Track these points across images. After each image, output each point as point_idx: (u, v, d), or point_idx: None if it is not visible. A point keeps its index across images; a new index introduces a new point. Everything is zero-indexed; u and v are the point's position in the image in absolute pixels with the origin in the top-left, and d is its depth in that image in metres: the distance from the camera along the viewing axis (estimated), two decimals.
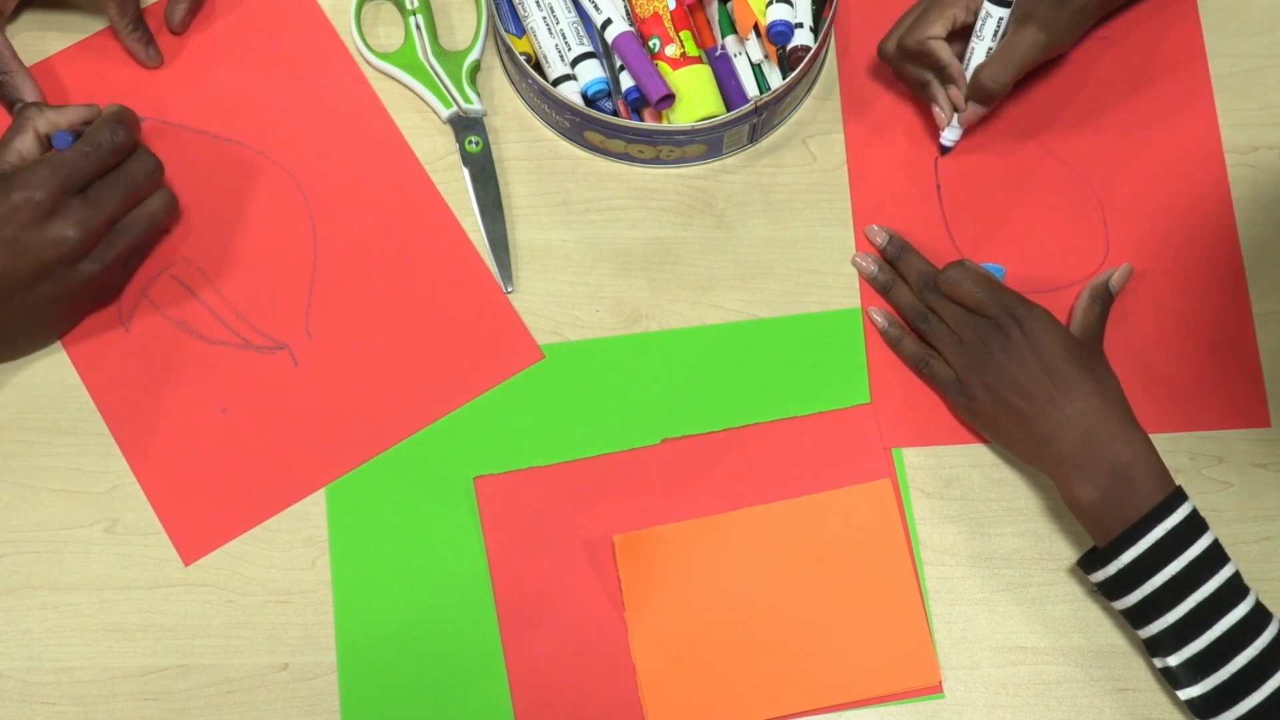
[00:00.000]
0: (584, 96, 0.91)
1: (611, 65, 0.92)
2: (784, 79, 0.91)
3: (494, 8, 0.92)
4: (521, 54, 0.91)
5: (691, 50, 0.91)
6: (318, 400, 0.89)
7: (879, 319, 0.90)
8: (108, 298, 0.89)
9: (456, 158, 0.93)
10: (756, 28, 0.91)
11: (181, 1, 0.93)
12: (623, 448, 0.88)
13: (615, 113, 0.92)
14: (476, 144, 0.93)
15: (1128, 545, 0.79)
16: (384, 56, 0.94)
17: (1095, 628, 0.86)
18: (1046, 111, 0.95)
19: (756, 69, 0.93)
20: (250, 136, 0.93)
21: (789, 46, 0.91)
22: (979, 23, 0.88)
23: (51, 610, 0.85)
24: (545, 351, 0.90)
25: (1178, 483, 0.81)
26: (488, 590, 0.86)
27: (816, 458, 0.88)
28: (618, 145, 0.91)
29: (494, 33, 0.94)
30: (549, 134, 0.94)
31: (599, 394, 0.89)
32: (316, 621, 0.85)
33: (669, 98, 0.90)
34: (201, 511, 0.87)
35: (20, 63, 0.91)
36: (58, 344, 0.89)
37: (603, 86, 0.91)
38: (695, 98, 0.90)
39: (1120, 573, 0.80)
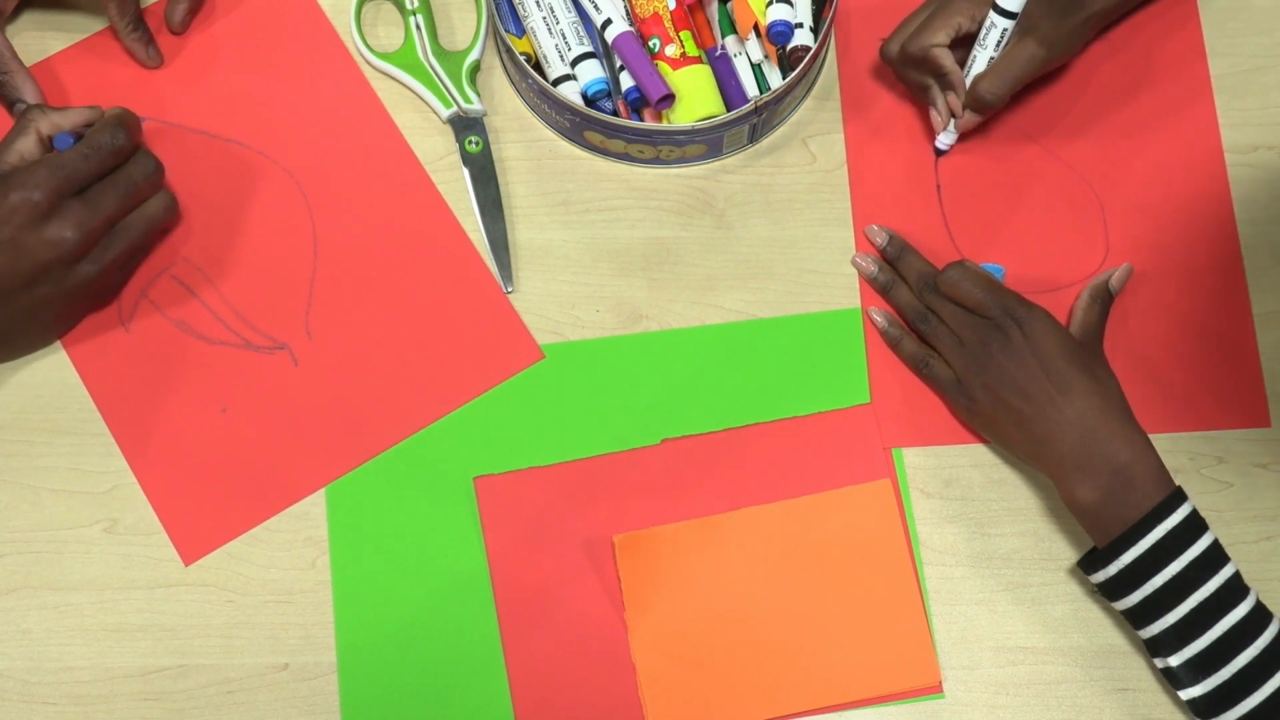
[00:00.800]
0: (584, 96, 0.91)
1: (611, 65, 0.92)
2: (784, 79, 0.91)
3: (494, 8, 0.92)
4: (521, 54, 0.91)
5: (691, 50, 0.91)
6: (318, 400, 0.89)
7: (879, 319, 0.90)
8: (106, 299, 0.89)
9: (456, 158, 0.93)
10: (756, 28, 0.91)
11: (181, 1, 0.93)
12: (623, 448, 0.88)
13: (615, 113, 0.92)
14: (476, 144, 0.93)
15: (1128, 546, 0.79)
16: (384, 56, 0.94)
17: (1095, 628, 0.86)
18: (1047, 112, 0.95)
19: (756, 69, 0.93)
20: (250, 136, 0.93)
21: (789, 46, 0.91)
22: (983, 31, 0.88)
23: (51, 610, 0.85)
24: (545, 351, 0.90)
25: (1177, 483, 0.81)
26: (488, 590, 0.86)
27: (816, 458, 0.88)
28: (618, 145, 0.91)
29: (494, 33, 0.94)
30: (549, 134, 0.94)
31: (599, 394, 0.89)
32: (316, 621, 0.85)
33: (669, 98, 0.90)
34: (201, 511, 0.87)
35: (20, 63, 0.91)
36: (58, 344, 0.89)
37: (603, 86, 0.91)
38: (695, 98, 0.90)
39: (1120, 573, 0.80)
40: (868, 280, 0.92)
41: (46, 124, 0.85)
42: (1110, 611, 0.86)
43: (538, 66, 0.93)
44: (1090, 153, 0.94)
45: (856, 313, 0.91)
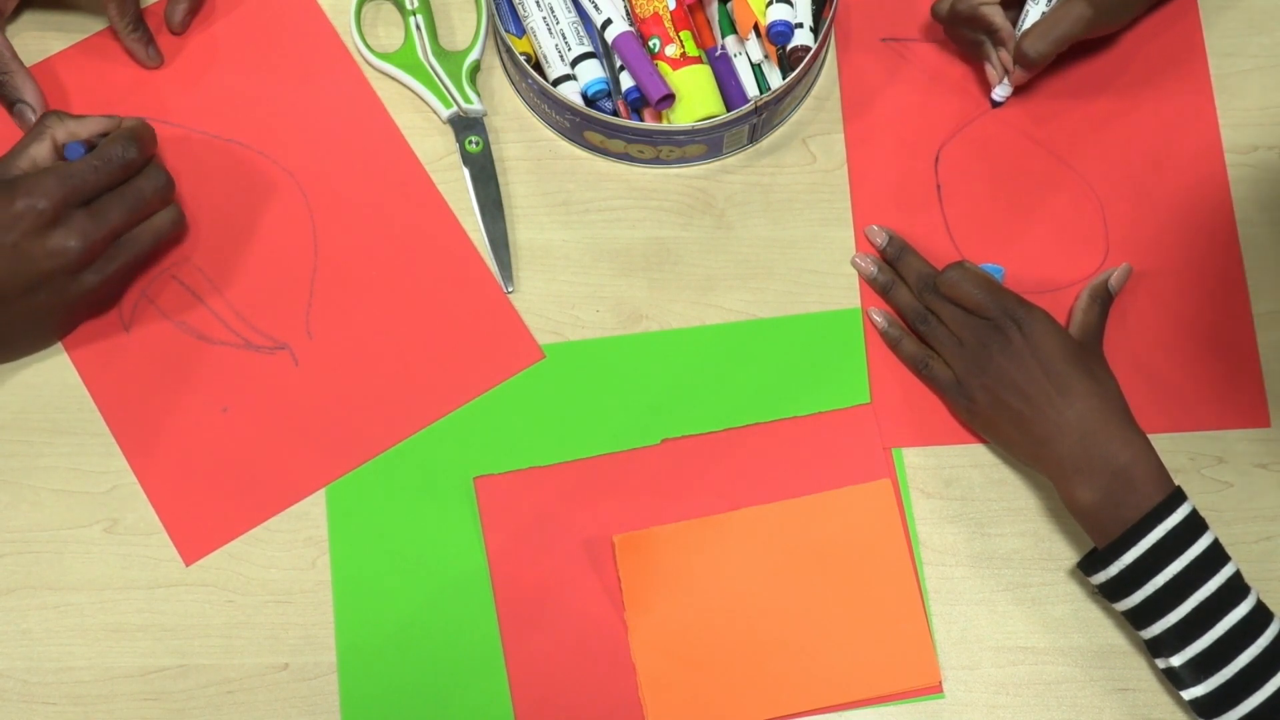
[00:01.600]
0: (584, 96, 0.91)
1: (611, 65, 0.92)
2: (784, 79, 0.91)
3: (494, 8, 0.92)
4: (521, 54, 0.91)
5: (691, 50, 0.91)
6: (318, 400, 0.89)
7: (879, 319, 0.90)
8: (106, 307, 0.89)
9: (456, 158, 0.93)
10: (756, 28, 0.91)
11: (181, 2, 0.93)
12: (623, 448, 0.88)
13: (615, 113, 0.92)
14: (476, 144, 0.93)
15: (1128, 546, 0.79)
16: (384, 56, 0.94)
17: (1095, 628, 0.86)
18: (1047, 112, 0.95)
19: (756, 69, 0.93)
20: (250, 136, 0.93)
21: (789, 46, 0.91)
22: None
23: (51, 610, 0.85)
24: (545, 351, 0.90)
25: (1177, 483, 0.81)
26: (488, 590, 0.86)
27: (816, 458, 0.88)
28: (618, 145, 0.91)
29: (494, 33, 0.94)
30: (549, 134, 0.94)
31: (599, 394, 0.89)
32: (316, 621, 0.85)
33: (669, 98, 0.90)
34: (202, 511, 0.87)
35: (20, 63, 0.91)
36: (58, 344, 0.89)
37: (603, 86, 0.91)
38: (695, 98, 0.90)
39: (1121, 574, 0.80)
40: (867, 281, 0.92)
41: (63, 132, 0.84)
42: (1110, 612, 0.86)
43: (538, 66, 0.93)
44: (1090, 153, 0.94)
45: (856, 313, 0.91)
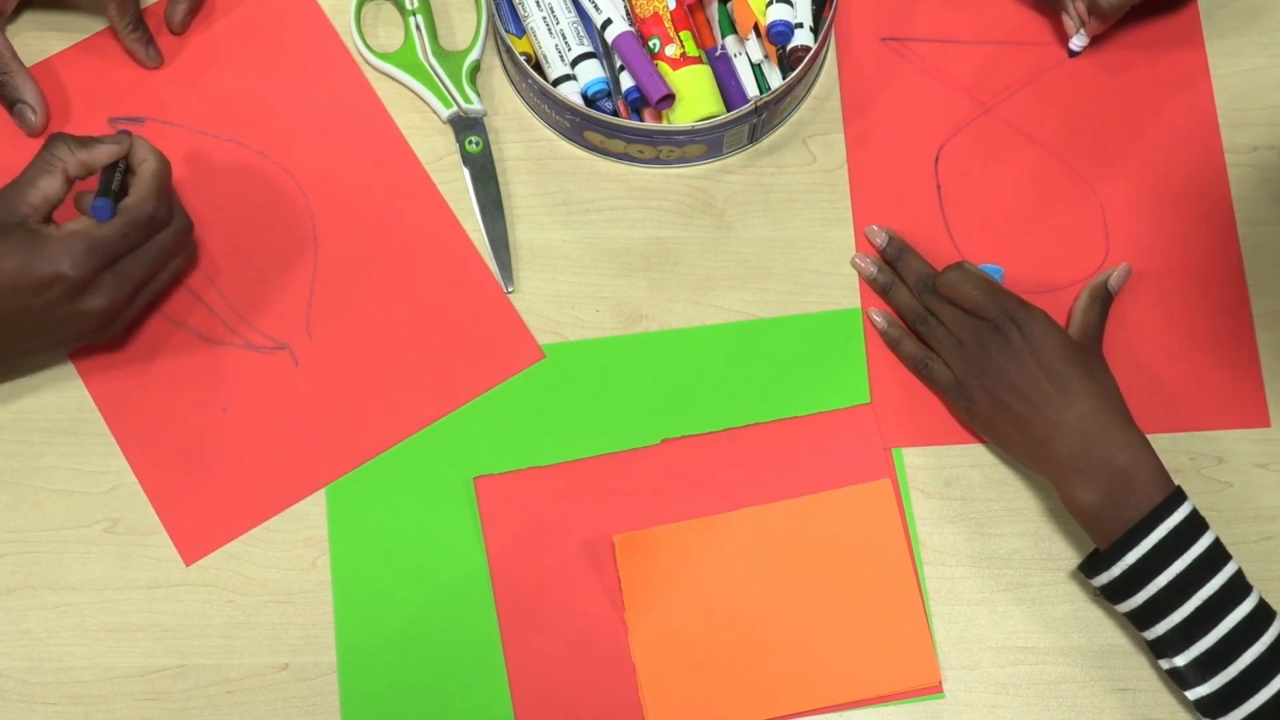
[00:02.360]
0: (584, 96, 0.91)
1: (611, 65, 0.92)
2: (784, 79, 0.91)
3: (494, 8, 0.92)
4: (521, 54, 0.91)
5: (691, 50, 0.91)
6: (318, 400, 0.89)
7: (878, 320, 0.90)
8: (108, 337, 0.87)
9: (456, 158, 0.93)
10: (756, 28, 0.91)
11: (181, 2, 0.93)
12: (623, 448, 0.88)
13: (615, 113, 0.92)
14: (476, 144, 0.93)
15: (1129, 547, 0.79)
16: (384, 56, 0.94)
17: (1095, 628, 0.86)
18: (1047, 111, 0.95)
19: (756, 69, 0.93)
20: (250, 136, 0.93)
21: (789, 46, 0.91)
22: None
23: (51, 610, 0.85)
24: (545, 351, 0.90)
25: (1177, 483, 0.81)
26: (488, 590, 0.86)
27: (816, 458, 0.88)
28: (618, 145, 0.91)
29: (494, 33, 0.94)
30: (549, 134, 0.94)
31: (599, 394, 0.89)
32: (316, 621, 0.85)
33: (669, 98, 0.90)
34: (202, 511, 0.87)
35: (20, 63, 0.91)
36: None
37: (603, 86, 0.91)
38: (695, 98, 0.90)
39: (1123, 574, 0.80)
40: (867, 281, 0.92)
41: (74, 164, 0.82)
42: (1110, 611, 0.86)
43: (538, 66, 0.93)
44: (1090, 153, 0.94)
45: (856, 313, 0.91)
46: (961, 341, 0.86)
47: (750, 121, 0.90)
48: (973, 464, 0.89)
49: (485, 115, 0.94)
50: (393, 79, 0.94)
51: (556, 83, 0.91)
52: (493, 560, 0.86)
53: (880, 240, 0.91)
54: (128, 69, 0.94)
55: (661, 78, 0.89)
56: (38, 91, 0.91)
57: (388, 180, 0.93)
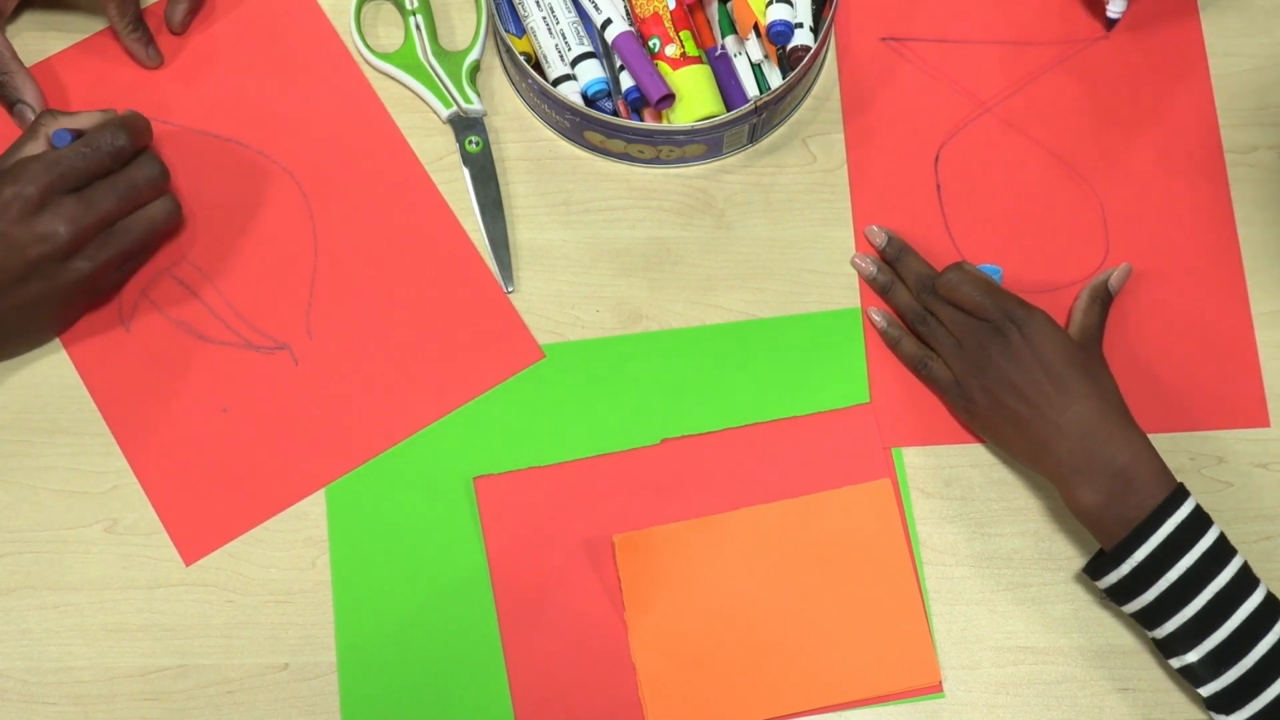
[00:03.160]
0: (584, 96, 0.91)
1: (611, 65, 0.92)
2: (784, 79, 0.91)
3: (494, 8, 0.92)
4: (521, 54, 0.91)
5: (691, 50, 0.91)
6: (318, 400, 0.89)
7: (878, 319, 0.90)
8: (103, 299, 0.89)
9: (456, 158, 0.93)
10: (756, 28, 0.91)
11: (181, 2, 0.93)
12: (623, 447, 0.88)
13: (615, 113, 0.92)
14: (476, 144, 0.93)
15: (1136, 545, 0.79)
16: (384, 56, 0.94)
17: (1095, 628, 0.86)
18: (1047, 111, 0.95)
19: (756, 69, 0.93)
20: (250, 136, 0.93)
21: (789, 46, 0.91)
22: None
23: (51, 610, 0.85)
24: (545, 351, 0.90)
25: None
26: (488, 590, 0.86)
27: (816, 457, 0.88)
28: (618, 145, 0.91)
29: (494, 33, 0.94)
30: (549, 134, 0.94)
31: (599, 394, 0.89)
32: (316, 621, 0.85)
33: (669, 98, 0.90)
34: (202, 511, 0.87)
35: (20, 63, 0.91)
36: (58, 344, 0.89)
37: (603, 86, 0.91)
38: (695, 98, 0.90)
39: (1133, 572, 0.79)
40: (867, 281, 0.92)
41: (55, 128, 0.84)
42: (1111, 611, 0.86)
43: (538, 66, 0.93)
44: (1090, 153, 0.94)
45: (856, 312, 0.91)
46: (961, 342, 0.86)
47: (750, 121, 0.90)
48: (973, 464, 0.89)
49: (485, 115, 0.94)
50: (393, 79, 0.94)
51: (556, 83, 0.91)
52: (492, 560, 0.86)
53: (880, 240, 0.91)
54: (128, 69, 0.94)
55: (661, 78, 0.89)
56: (38, 91, 0.91)
57: (388, 180, 0.93)
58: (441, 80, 0.94)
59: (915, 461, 0.89)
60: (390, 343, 0.90)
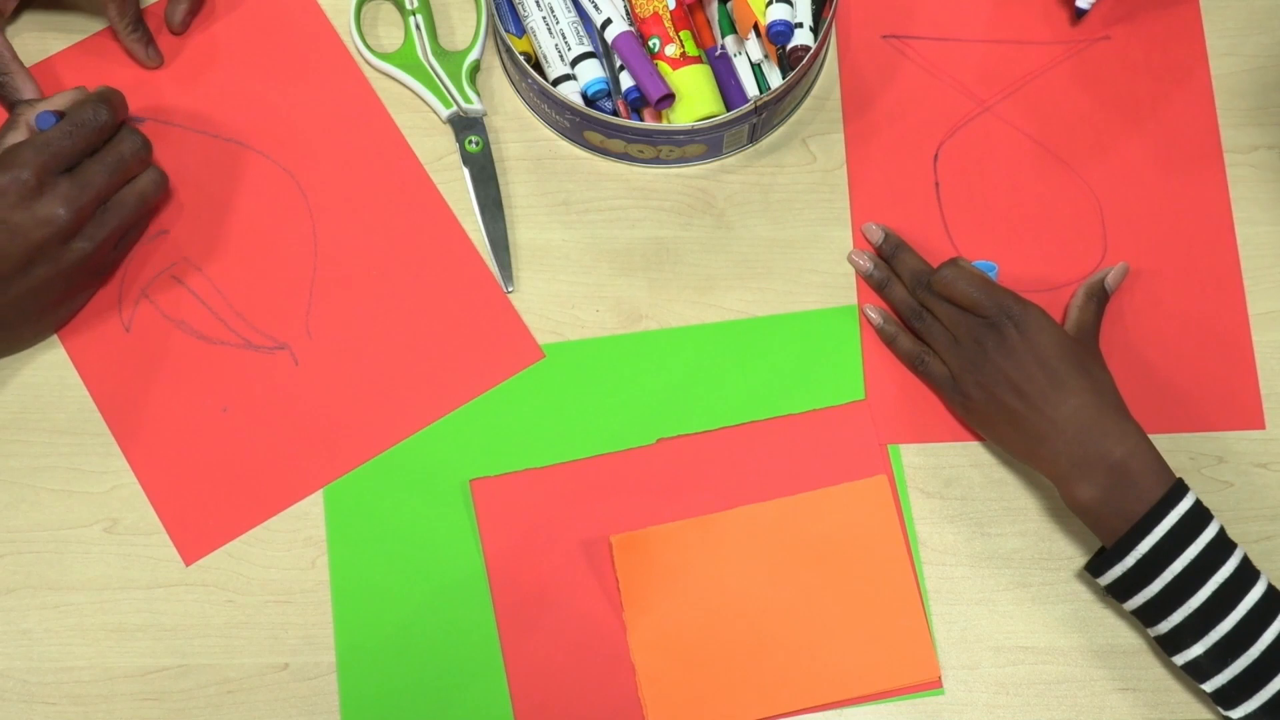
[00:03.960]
0: (584, 96, 0.91)
1: (611, 65, 0.92)
2: (784, 79, 0.91)
3: (494, 8, 0.92)
4: (521, 54, 0.91)
5: (691, 50, 0.91)
6: (318, 400, 0.89)
7: (874, 316, 0.90)
8: (103, 277, 0.89)
9: (456, 158, 0.93)
10: (756, 27, 0.91)
11: (181, 2, 0.93)
12: (624, 447, 0.88)
13: (615, 113, 0.92)
14: (476, 144, 0.93)
15: (1138, 540, 0.79)
16: (384, 56, 0.95)
17: (1095, 628, 0.86)
18: (1046, 110, 0.95)
19: (756, 69, 0.93)
20: (250, 136, 0.93)
21: (789, 46, 0.91)
22: None
23: (51, 610, 0.85)
24: (545, 351, 0.90)
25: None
26: (487, 591, 0.86)
27: (812, 455, 0.88)
28: (618, 145, 0.91)
29: (494, 33, 0.94)
30: (549, 134, 0.94)
31: (599, 394, 0.89)
32: (316, 621, 0.85)
33: (669, 98, 0.90)
34: (202, 511, 0.87)
35: (20, 63, 0.91)
36: (57, 343, 0.89)
37: (603, 86, 0.91)
38: (695, 98, 0.90)
39: (1135, 566, 0.79)
40: (863, 277, 0.92)
41: (33, 113, 0.85)
42: (1111, 611, 0.86)
43: (538, 66, 0.93)
44: (1089, 152, 0.94)
45: (852, 309, 0.91)
46: (957, 338, 0.86)
47: (750, 121, 0.90)
48: (973, 463, 0.89)
49: (485, 115, 0.94)
50: (393, 79, 0.94)
51: (556, 82, 0.91)
52: (490, 562, 0.86)
53: (876, 237, 0.92)
54: (128, 69, 0.94)
55: (661, 77, 0.89)
56: (38, 91, 0.91)
57: (387, 180, 0.93)
58: (441, 80, 0.94)
59: (915, 461, 0.89)
60: (390, 343, 0.90)
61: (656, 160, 0.93)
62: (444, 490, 0.87)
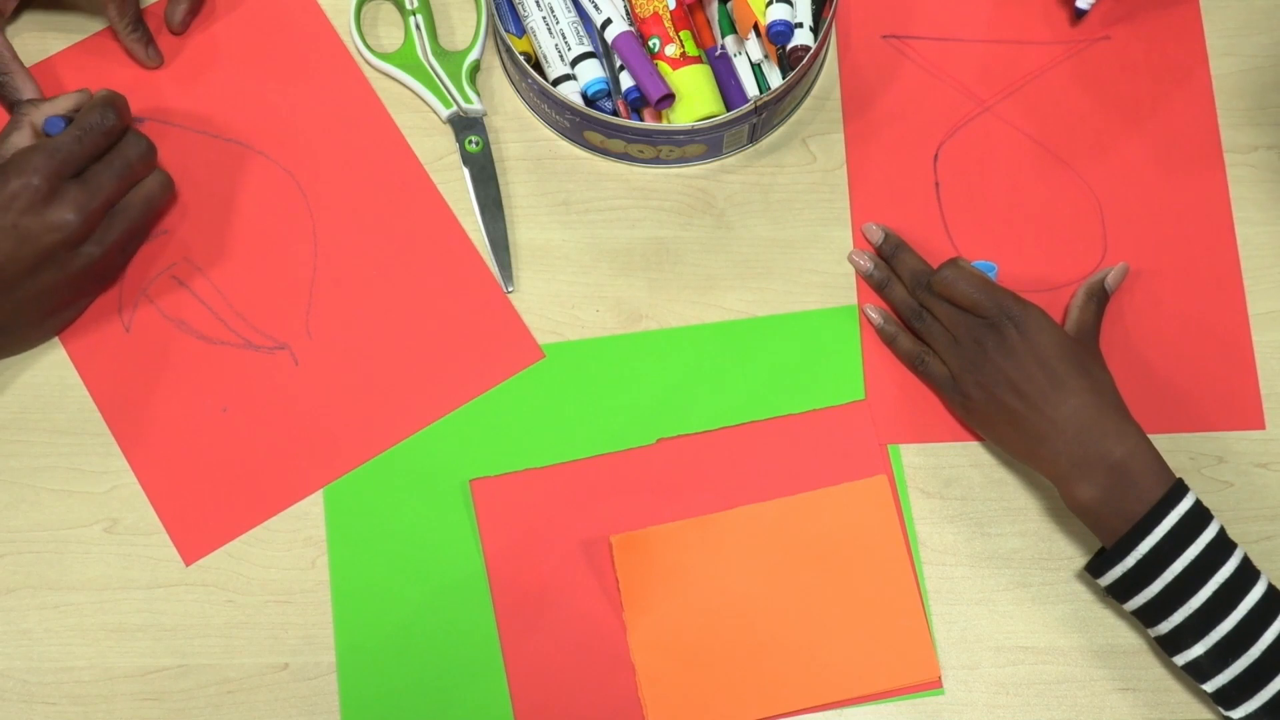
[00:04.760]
0: (584, 96, 0.91)
1: (611, 65, 0.92)
2: (784, 79, 0.91)
3: (494, 8, 0.92)
4: (521, 54, 0.91)
5: (691, 50, 0.91)
6: (318, 400, 0.89)
7: (874, 316, 0.90)
8: (108, 282, 0.89)
9: (456, 158, 0.93)
10: (756, 27, 0.91)
11: (181, 2, 0.93)
12: (624, 447, 0.88)
13: (615, 113, 0.92)
14: (476, 144, 0.93)
15: (1138, 540, 0.79)
16: (384, 56, 0.95)
17: (1095, 628, 0.86)
18: (1046, 110, 0.95)
19: (756, 69, 0.93)
20: (250, 136, 0.93)
21: (789, 46, 0.91)
22: None
23: (51, 610, 0.85)
24: (545, 351, 0.90)
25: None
26: (486, 591, 0.86)
27: (812, 455, 0.88)
28: (618, 145, 0.91)
29: (494, 33, 0.94)
30: (549, 134, 0.94)
31: (599, 394, 0.89)
32: (316, 621, 0.85)
33: (669, 98, 0.90)
34: (202, 511, 0.87)
35: (20, 63, 0.91)
36: (58, 343, 0.89)
37: (603, 86, 0.91)
38: (695, 98, 0.90)
39: (1135, 567, 0.79)
40: (863, 276, 0.92)
41: (39, 115, 0.85)
42: (1111, 611, 0.86)
43: (538, 66, 0.93)
44: (1089, 152, 0.94)
45: (852, 309, 0.91)
46: (957, 338, 0.86)
47: (750, 121, 0.90)
48: (973, 463, 0.89)
49: (485, 115, 0.94)
50: (393, 79, 0.94)
51: (556, 82, 0.91)
52: (490, 562, 0.86)
53: (876, 237, 0.92)
54: (128, 69, 0.94)
55: (661, 77, 0.89)
56: (38, 91, 0.91)
57: (387, 180, 0.93)
58: (441, 80, 0.94)
59: (915, 461, 0.89)
60: (390, 343, 0.90)
61: (656, 160, 0.93)
62: (444, 490, 0.87)
